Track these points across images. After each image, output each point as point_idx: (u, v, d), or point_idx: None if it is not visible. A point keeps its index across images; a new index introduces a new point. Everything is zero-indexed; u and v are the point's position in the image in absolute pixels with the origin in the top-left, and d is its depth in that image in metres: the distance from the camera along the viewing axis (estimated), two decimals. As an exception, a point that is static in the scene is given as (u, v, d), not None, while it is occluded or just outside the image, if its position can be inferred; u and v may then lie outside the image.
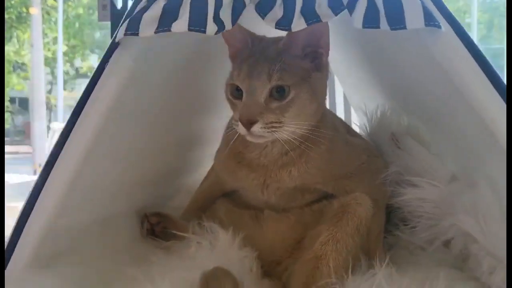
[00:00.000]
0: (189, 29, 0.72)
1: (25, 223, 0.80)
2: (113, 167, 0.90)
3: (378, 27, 0.72)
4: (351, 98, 1.48)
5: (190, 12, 0.72)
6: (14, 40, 9.93)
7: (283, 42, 0.90)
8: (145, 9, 0.74)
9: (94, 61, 13.06)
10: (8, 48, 9.41)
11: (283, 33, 0.86)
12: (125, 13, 0.78)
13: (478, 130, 0.75)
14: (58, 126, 8.28)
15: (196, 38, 0.80)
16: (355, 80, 1.30)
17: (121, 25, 0.76)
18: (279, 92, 0.87)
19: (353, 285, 0.84)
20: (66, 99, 11.43)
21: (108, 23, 2.07)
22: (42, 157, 8.61)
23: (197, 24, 0.72)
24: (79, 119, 0.78)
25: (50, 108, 11.73)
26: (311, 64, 0.92)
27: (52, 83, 12.34)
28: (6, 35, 8.84)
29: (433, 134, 1.03)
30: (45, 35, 10.72)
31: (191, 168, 1.33)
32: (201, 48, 0.97)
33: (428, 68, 0.78)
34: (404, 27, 0.70)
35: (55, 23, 10.65)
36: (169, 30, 0.72)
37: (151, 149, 1.01)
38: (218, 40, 0.91)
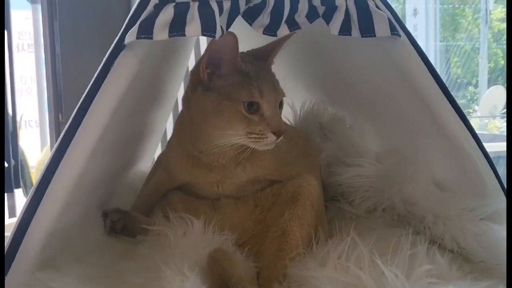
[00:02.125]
0: (203, 34, 0.79)
1: (28, 224, 0.79)
2: (105, 163, 0.92)
3: (350, 34, 0.88)
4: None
5: (200, 18, 0.80)
6: None
7: (270, 61, 1.04)
8: (155, 13, 0.79)
9: None
10: None
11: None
12: (129, 17, 0.82)
13: (419, 113, 0.97)
14: None
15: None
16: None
17: (126, 29, 0.80)
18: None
19: (322, 251, 0.98)
20: None
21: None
22: None
23: (208, 29, 0.80)
24: (85, 119, 0.80)
25: None
26: None
27: None
28: None
29: (359, 121, 1.23)
30: None
31: (130, 164, 1.35)
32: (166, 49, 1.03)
33: (381, 68, 0.97)
34: (374, 35, 0.87)
35: None
36: (184, 35, 0.79)
37: (118, 141, 1.04)
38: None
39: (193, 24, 0.79)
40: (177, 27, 0.79)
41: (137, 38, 0.79)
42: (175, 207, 1.15)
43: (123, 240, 1.05)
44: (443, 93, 0.92)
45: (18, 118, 2.06)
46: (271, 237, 1.04)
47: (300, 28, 0.90)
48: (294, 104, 1.37)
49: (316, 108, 1.35)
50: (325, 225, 1.12)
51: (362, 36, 0.88)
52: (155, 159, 1.40)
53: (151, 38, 0.78)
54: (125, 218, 1.14)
